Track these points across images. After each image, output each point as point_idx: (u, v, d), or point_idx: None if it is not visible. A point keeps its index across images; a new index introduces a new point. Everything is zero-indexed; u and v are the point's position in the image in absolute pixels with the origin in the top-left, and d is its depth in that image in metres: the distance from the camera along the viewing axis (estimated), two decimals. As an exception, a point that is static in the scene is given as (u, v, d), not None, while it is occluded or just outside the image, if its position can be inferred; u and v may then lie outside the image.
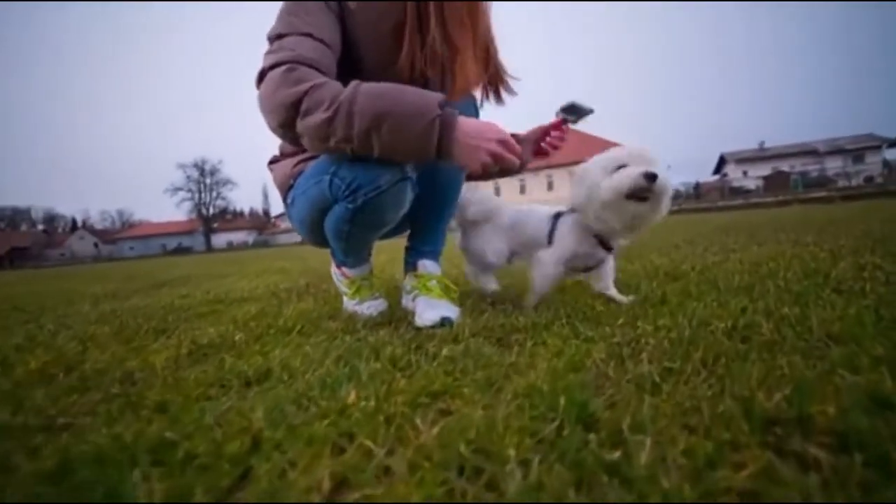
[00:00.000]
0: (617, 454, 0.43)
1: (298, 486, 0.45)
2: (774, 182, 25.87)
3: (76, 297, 2.75)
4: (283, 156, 1.31)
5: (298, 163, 1.22)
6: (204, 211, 45.53)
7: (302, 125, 0.92)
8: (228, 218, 53.44)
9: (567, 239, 1.20)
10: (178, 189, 44.34)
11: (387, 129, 0.89)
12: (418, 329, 1.07)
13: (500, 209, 1.39)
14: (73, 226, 69.04)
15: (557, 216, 1.25)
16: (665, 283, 1.36)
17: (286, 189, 1.29)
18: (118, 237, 53.79)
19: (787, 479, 0.38)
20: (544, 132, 1.32)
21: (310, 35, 0.98)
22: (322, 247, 1.36)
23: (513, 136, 1.02)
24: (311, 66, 0.94)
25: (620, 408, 0.54)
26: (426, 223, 1.31)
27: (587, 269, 1.24)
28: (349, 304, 1.39)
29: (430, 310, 1.13)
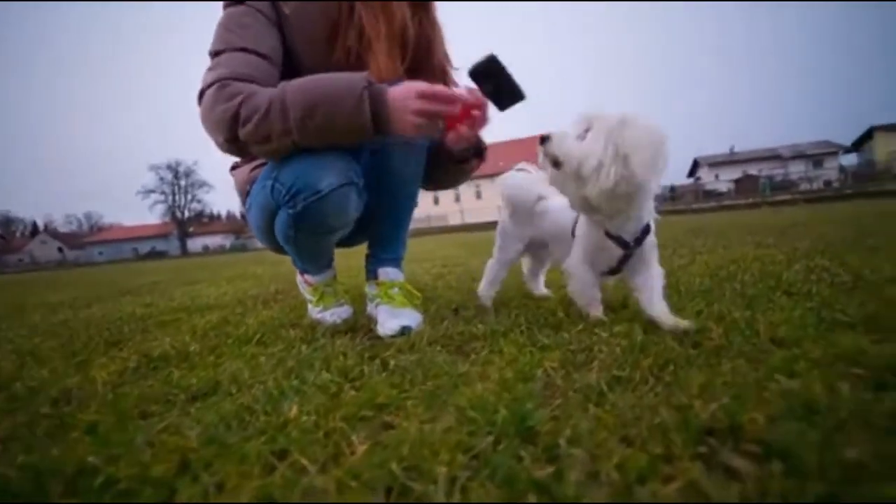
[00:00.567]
0: (549, 470, 0.42)
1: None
2: (744, 185, 26.82)
3: (29, 307, 2.62)
4: (242, 162, 1.28)
5: (255, 168, 1.20)
6: (179, 214, 43.81)
7: (243, 133, 0.94)
8: (205, 221, 52.00)
9: (580, 231, 1.06)
10: (150, 191, 42.61)
11: (321, 113, 0.92)
12: (379, 338, 1.05)
13: (529, 195, 1.23)
14: (34, 230, 65.82)
15: None
16: (627, 289, 1.38)
17: (245, 195, 1.27)
18: (86, 241, 51.58)
19: (710, 492, 0.38)
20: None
21: (244, 49, 1.01)
22: (282, 254, 1.33)
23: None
24: (245, 81, 0.97)
25: (562, 420, 0.53)
26: (383, 231, 1.29)
27: (614, 272, 1.05)
28: (313, 311, 1.36)
29: (391, 319, 1.11)
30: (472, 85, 0.97)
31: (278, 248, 1.30)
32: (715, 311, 0.98)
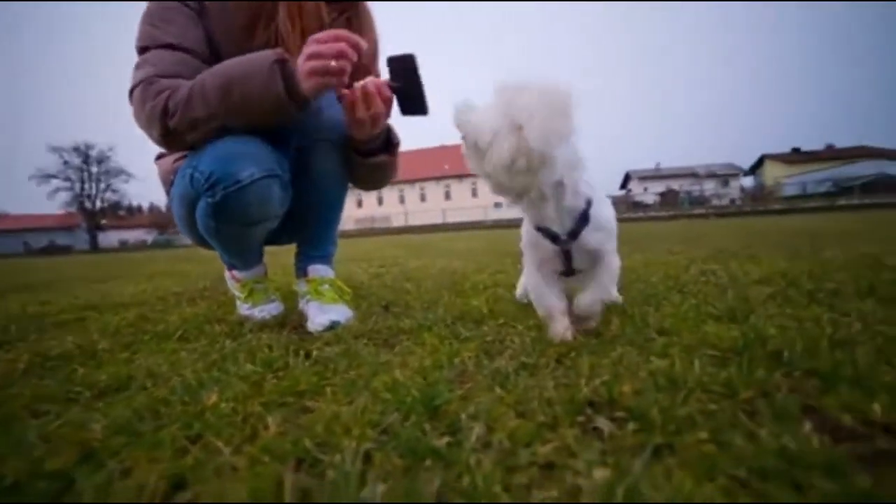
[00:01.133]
0: (446, 439, 0.47)
1: (127, 492, 0.43)
2: (667, 199, 29.44)
3: None
4: (167, 151, 1.23)
5: (178, 158, 1.17)
6: (88, 204, 36.94)
7: (173, 124, 0.98)
8: (122, 214, 46.96)
9: (523, 226, 0.92)
10: (50, 176, 34.77)
11: (238, 92, 0.96)
12: (308, 333, 1.06)
13: None
14: None
15: None
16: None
17: (168, 185, 1.22)
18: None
19: (578, 451, 0.45)
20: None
21: (169, 45, 1.04)
22: (208, 248, 1.29)
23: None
24: (171, 77, 1.00)
25: (468, 400, 0.59)
26: (311, 228, 1.29)
27: (568, 274, 0.91)
28: (242, 308, 1.33)
29: (320, 314, 1.12)
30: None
31: (203, 242, 1.25)
32: (618, 307, 1.10)
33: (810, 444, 0.44)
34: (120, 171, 36.77)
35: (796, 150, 38.34)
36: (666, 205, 26.83)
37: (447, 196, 33.37)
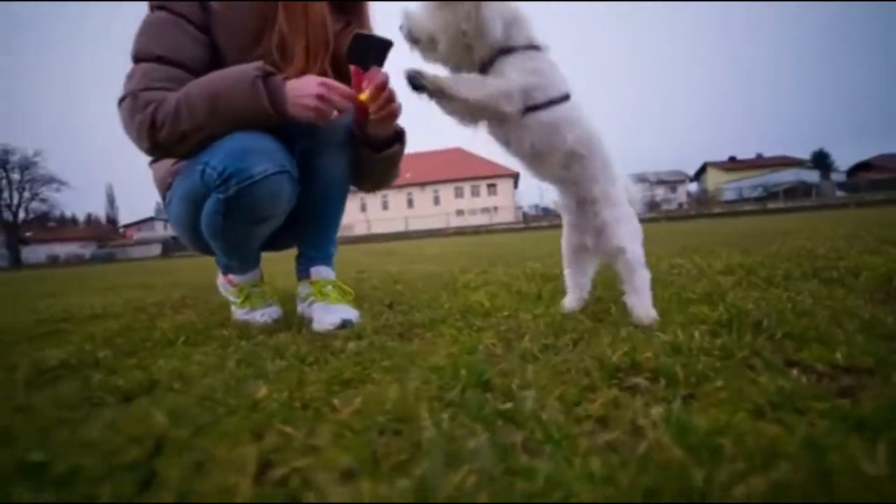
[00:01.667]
0: (509, 405, 0.54)
1: (220, 472, 0.46)
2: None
3: None
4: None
5: (176, 161, 1.16)
6: (8, 215, 32.36)
7: (162, 137, 1.02)
8: (51, 225, 42.85)
9: None
10: None
11: (223, 104, 1.00)
12: (319, 333, 1.08)
13: None
14: None
15: None
16: (541, 284, 1.58)
17: (165, 188, 1.21)
18: None
19: (623, 404, 0.52)
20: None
21: (160, 58, 1.06)
22: (204, 251, 1.28)
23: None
24: (158, 90, 1.03)
25: (509, 375, 0.65)
26: (313, 229, 1.31)
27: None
28: (238, 312, 1.32)
29: (328, 314, 1.14)
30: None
31: (199, 244, 1.24)
32: (611, 296, 1.20)
33: (800, 383, 0.56)
34: (50, 179, 32.60)
35: (732, 159, 42.19)
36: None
37: (409, 204, 33.39)
